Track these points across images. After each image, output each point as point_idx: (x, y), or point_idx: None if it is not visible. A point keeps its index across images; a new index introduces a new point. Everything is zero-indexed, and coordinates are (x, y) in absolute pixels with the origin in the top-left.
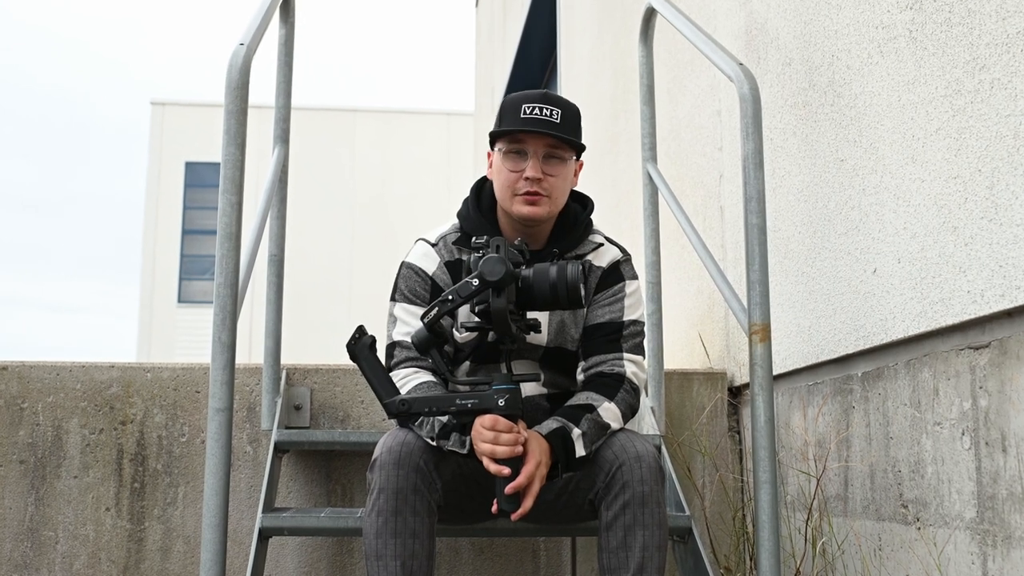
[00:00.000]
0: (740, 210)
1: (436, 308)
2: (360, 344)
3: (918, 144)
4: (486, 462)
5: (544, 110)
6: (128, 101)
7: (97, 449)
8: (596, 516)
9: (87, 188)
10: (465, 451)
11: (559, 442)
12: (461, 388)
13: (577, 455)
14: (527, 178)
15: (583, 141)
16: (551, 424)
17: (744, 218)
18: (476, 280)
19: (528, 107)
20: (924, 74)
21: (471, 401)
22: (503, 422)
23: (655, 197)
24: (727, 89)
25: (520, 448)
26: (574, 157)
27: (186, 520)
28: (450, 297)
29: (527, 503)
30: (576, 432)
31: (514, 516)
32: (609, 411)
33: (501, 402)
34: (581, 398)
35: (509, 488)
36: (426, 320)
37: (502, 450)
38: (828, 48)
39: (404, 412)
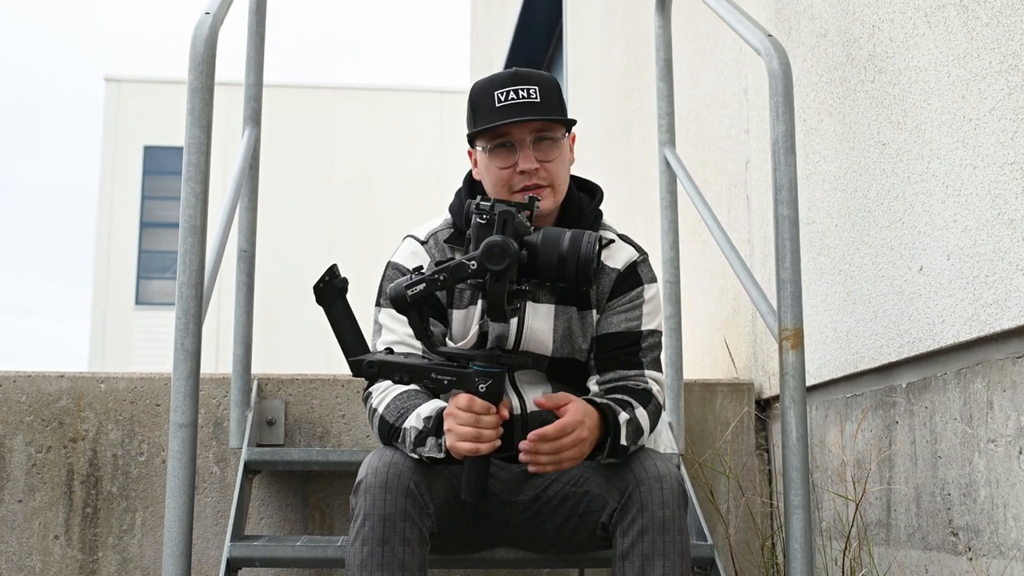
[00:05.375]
0: (769, 200)
1: (422, 285)
2: (329, 287)
3: (970, 126)
4: (459, 446)
5: (520, 91)
6: (79, 77)
7: (44, 470)
8: (609, 544)
9: (32, 175)
10: (442, 455)
11: (609, 416)
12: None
13: (621, 442)
14: (522, 172)
15: (572, 112)
16: (594, 400)
17: (774, 209)
18: (474, 264)
19: (501, 93)
20: (976, 47)
21: (448, 378)
22: (480, 403)
23: (673, 185)
24: (754, 64)
25: (498, 441)
26: (566, 133)
27: (145, 549)
28: (440, 277)
29: (542, 462)
30: (624, 416)
31: (531, 467)
32: (643, 417)
33: (482, 387)
34: (616, 395)
35: (533, 435)
36: (410, 293)
37: (486, 445)
38: (868, 18)
39: (372, 374)
